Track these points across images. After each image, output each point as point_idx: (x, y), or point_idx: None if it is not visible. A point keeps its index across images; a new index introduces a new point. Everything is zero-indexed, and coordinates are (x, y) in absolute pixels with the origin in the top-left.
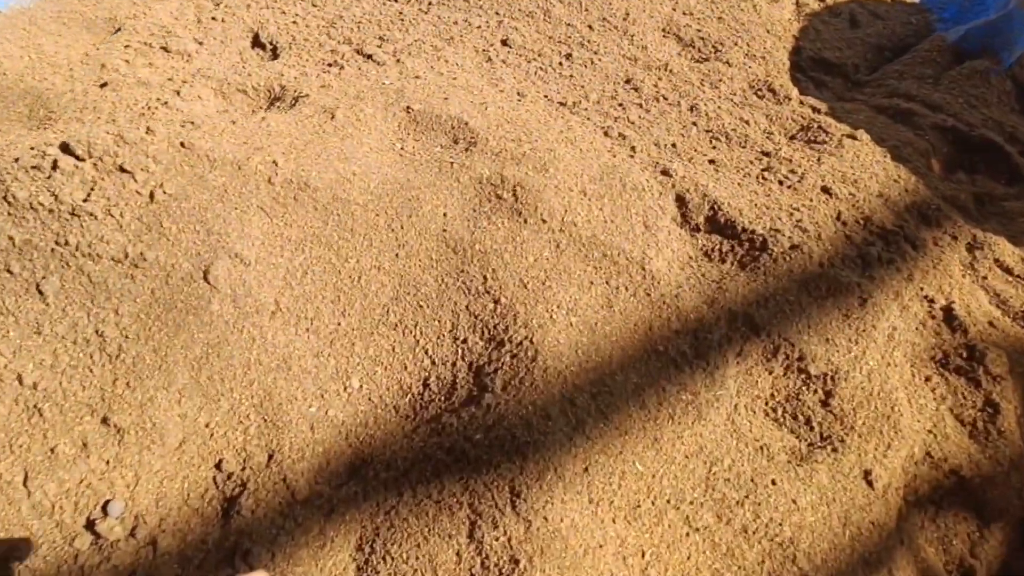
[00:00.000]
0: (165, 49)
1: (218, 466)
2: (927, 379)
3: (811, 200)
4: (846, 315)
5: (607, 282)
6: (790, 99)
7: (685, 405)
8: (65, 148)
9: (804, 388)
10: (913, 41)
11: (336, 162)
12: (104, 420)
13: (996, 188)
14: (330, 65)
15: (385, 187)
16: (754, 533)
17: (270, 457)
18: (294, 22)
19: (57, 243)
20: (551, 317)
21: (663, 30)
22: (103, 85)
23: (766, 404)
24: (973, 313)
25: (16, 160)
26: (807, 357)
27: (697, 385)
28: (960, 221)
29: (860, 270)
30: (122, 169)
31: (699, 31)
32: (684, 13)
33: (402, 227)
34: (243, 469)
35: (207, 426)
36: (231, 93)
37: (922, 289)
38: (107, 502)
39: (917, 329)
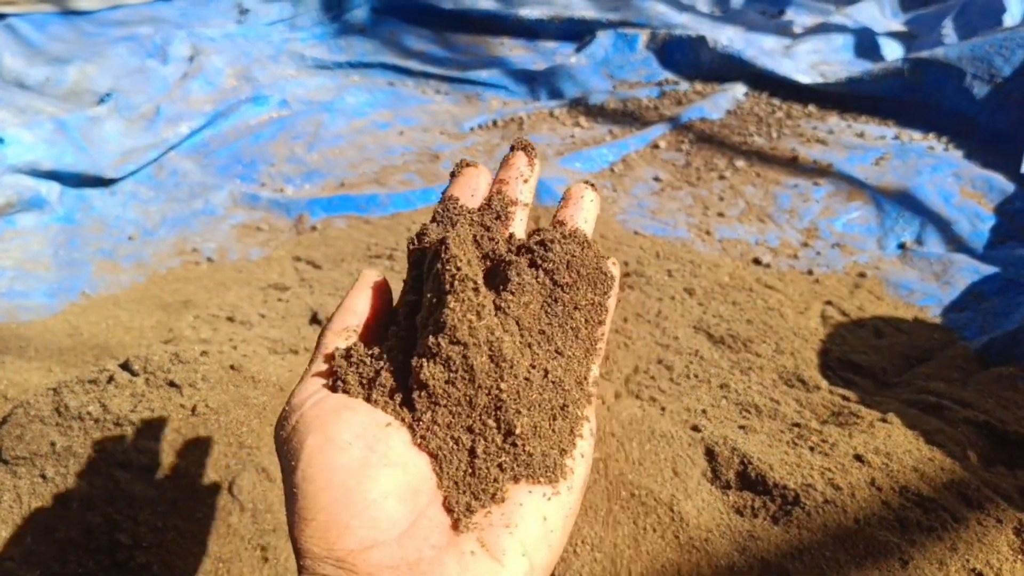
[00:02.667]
0: (230, 319)
1: None
2: None
3: (844, 465)
4: None
5: (634, 522)
6: (820, 388)
7: None
8: (124, 365)
9: None
10: (937, 351)
11: None
12: None
13: None
14: None
15: None
16: None
17: None
18: None
19: (94, 450)
20: (574, 551)
21: (694, 327)
22: (167, 342)
23: None
24: None
25: (77, 376)
26: None
27: None
28: (1004, 506)
29: (899, 533)
30: (171, 384)
31: (728, 330)
32: (714, 316)
33: None
34: None
35: None
36: (283, 352)
37: (968, 561)
38: None
39: None
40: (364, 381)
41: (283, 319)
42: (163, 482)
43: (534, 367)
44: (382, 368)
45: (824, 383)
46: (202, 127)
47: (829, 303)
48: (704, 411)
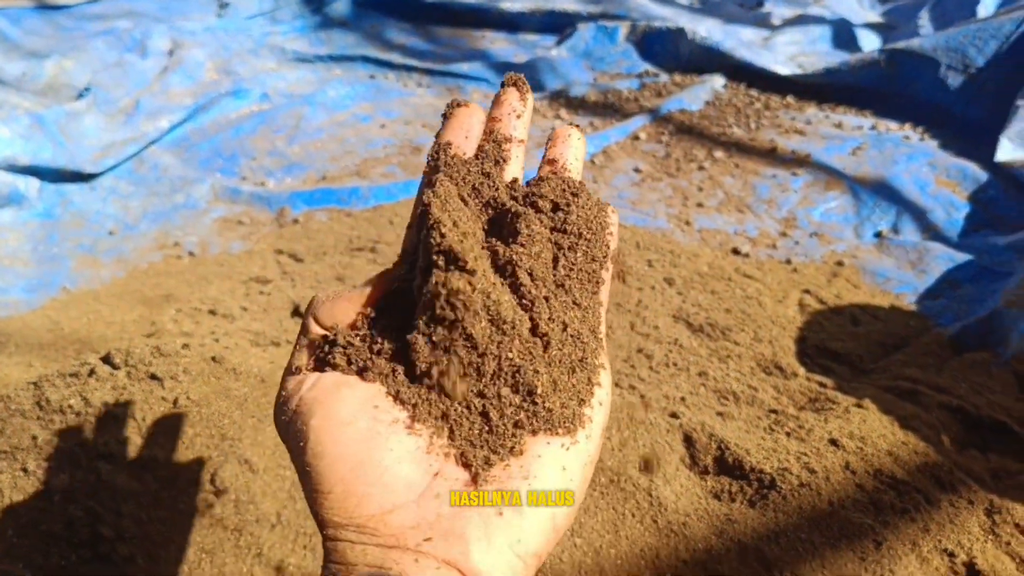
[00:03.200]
0: (212, 312)
1: None
2: None
3: (819, 449)
4: (862, 558)
5: (613, 507)
6: (797, 375)
7: None
8: (105, 359)
9: None
10: (913, 338)
11: None
12: None
13: (1012, 465)
14: None
15: None
16: None
17: None
18: None
19: (77, 443)
20: None
21: (673, 316)
22: (149, 335)
23: None
24: (1000, 574)
25: (58, 370)
26: None
27: None
28: (976, 487)
29: (873, 515)
30: (153, 377)
31: (707, 319)
32: (693, 305)
33: None
34: None
35: None
36: (265, 344)
37: (940, 542)
38: None
39: None
40: (359, 358)
41: (265, 312)
42: (145, 474)
43: (552, 320)
44: (383, 341)
45: (801, 370)
46: (182, 121)
47: (807, 291)
48: (683, 398)
